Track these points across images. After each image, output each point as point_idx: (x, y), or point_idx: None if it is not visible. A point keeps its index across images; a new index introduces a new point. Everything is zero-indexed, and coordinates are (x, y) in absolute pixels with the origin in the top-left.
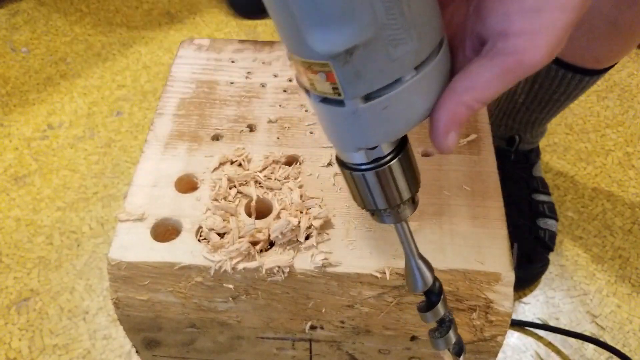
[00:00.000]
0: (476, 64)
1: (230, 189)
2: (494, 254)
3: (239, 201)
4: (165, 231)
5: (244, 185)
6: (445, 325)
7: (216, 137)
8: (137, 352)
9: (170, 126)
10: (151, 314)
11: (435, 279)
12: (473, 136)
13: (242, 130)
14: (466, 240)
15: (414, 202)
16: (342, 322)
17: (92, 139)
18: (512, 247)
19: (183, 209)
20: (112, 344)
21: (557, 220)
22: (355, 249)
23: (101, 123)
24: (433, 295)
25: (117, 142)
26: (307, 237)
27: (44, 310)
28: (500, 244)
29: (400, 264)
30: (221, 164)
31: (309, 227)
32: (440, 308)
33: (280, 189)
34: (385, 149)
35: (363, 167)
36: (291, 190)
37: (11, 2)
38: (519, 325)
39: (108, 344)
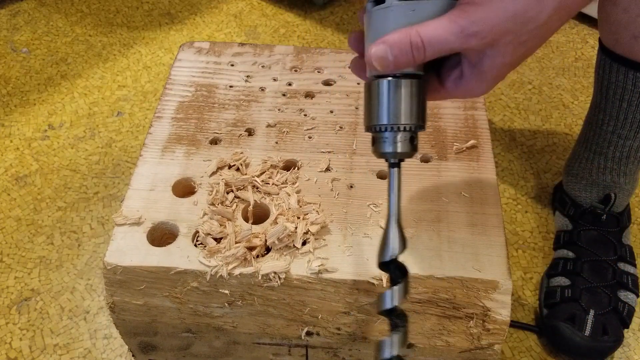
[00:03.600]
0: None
1: (227, 193)
2: (492, 262)
3: (236, 206)
4: (161, 235)
5: (241, 189)
6: (401, 319)
7: (214, 141)
8: (133, 356)
9: (169, 130)
10: (147, 319)
11: (403, 246)
12: (472, 142)
13: (240, 135)
14: (464, 248)
15: (413, 142)
16: (339, 328)
17: (92, 139)
18: (587, 313)
19: (180, 213)
20: (113, 344)
21: (638, 295)
22: (352, 256)
23: (102, 123)
24: (395, 271)
25: (118, 142)
26: (303, 243)
27: (45, 310)
28: (499, 251)
29: None
30: (219, 168)
31: (306, 233)
32: (400, 290)
33: (278, 194)
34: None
35: (381, 77)
36: (289, 195)
37: (12, 2)
38: (519, 327)
39: (109, 344)
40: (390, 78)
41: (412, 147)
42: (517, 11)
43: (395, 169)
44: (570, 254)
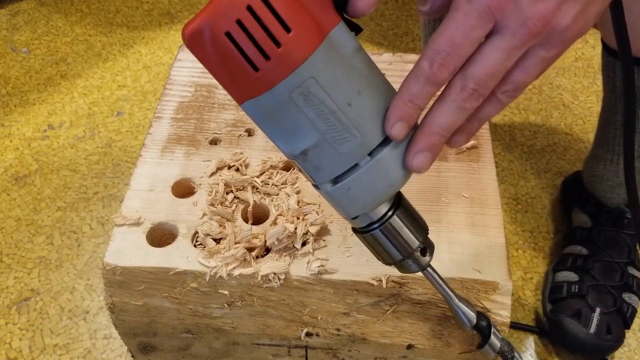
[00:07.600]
0: None
1: (227, 194)
2: (492, 263)
3: (236, 206)
4: (161, 236)
5: (241, 190)
6: (507, 354)
7: (214, 142)
8: (132, 356)
9: (168, 130)
10: (146, 319)
11: (480, 314)
12: (472, 142)
13: (240, 135)
14: (464, 248)
15: (429, 247)
16: (338, 329)
17: (92, 139)
18: (593, 310)
19: (179, 214)
20: (113, 344)
21: None
22: (352, 256)
23: (102, 123)
24: (484, 330)
25: (118, 142)
26: (303, 244)
27: (45, 310)
28: (499, 252)
29: (398, 272)
30: (219, 169)
31: (306, 234)
32: (494, 341)
33: (278, 194)
34: (381, 210)
35: (368, 228)
36: (288, 196)
37: (12, 2)
38: (520, 329)
39: (108, 344)
40: (381, 226)
41: (431, 251)
42: None
43: (429, 270)
44: (584, 251)
